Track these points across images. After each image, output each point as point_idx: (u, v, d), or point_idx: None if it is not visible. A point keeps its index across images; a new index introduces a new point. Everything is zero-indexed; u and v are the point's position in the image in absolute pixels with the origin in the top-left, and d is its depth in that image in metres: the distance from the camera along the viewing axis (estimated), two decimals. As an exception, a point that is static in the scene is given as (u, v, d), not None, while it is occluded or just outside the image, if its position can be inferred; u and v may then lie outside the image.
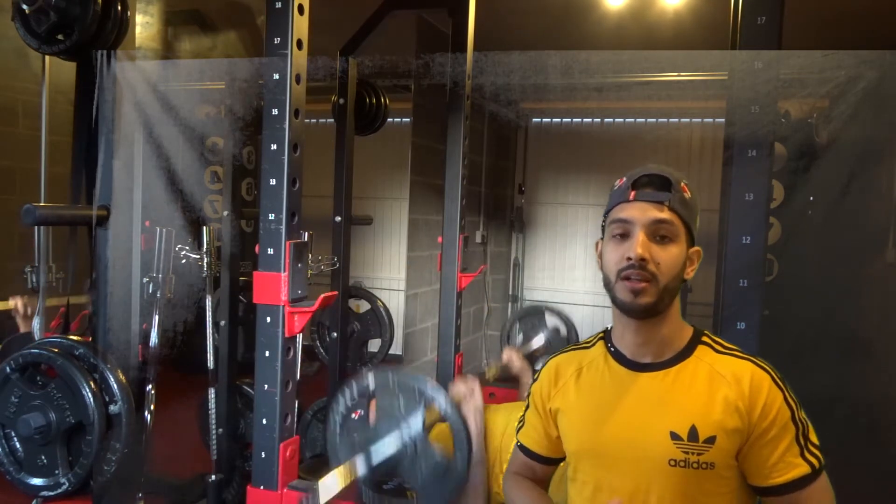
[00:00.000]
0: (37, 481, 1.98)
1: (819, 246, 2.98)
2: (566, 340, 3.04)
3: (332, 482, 1.28)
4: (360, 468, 1.33)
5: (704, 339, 1.28)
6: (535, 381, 1.44)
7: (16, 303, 2.81)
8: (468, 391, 2.01)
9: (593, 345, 1.37)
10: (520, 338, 3.10)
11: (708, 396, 1.20)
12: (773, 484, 1.18)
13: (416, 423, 1.37)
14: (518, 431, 1.48)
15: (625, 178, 1.27)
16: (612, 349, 1.32)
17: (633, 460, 1.22)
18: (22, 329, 2.82)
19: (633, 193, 1.22)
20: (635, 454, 1.22)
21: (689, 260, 1.25)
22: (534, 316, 3.12)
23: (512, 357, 2.60)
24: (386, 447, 1.38)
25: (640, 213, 1.21)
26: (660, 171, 1.24)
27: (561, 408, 1.35)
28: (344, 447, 1.48)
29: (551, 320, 3.10)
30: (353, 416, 2.21)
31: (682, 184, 1.24)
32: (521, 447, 1.46)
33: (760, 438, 1.17)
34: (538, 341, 3.01)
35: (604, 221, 1.29)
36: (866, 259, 3.40)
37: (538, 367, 3.03)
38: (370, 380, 1.41)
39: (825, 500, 1.20)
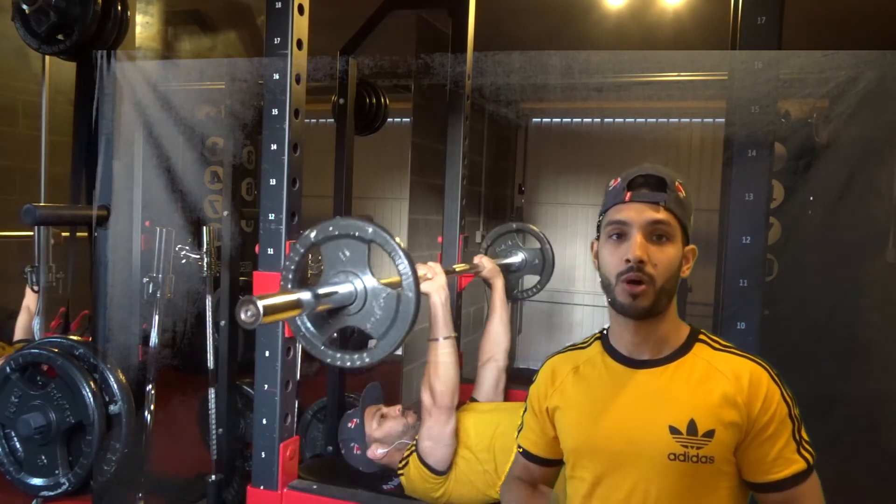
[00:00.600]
0: (37, 481, 1.98)
1: (819, 246, 2.98)
2: (542, 254, 3.02)
3: (272, 300, 1.21)
4: (306, 295, 1.27)
5: (701, 336, 1.29)
6: (532, 383, 1.44)
7: (27, 302, 2.80)
8: (429, 269, 2.07)
9: (590, 344, 1.38)
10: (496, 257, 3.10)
11: (706, 391, 1.20)
12: (771, 480, 1.18)
13: (362, 265, 1.33)
14: (518, 436, 1.48)
15: (619, 179, 1.27)
16: (610, 347, 1.32)
17: (632, 455, 1.23)
18: (17, 335, 2.83)
19: (628, 194, 1.23)
20: (634, 449, 1.22)
21: (685, 259, 1.25)
22: (509, 235, 3.10)
23: (482, 260, 2.62)
24: (331, 284, 1.33)
25: (637, 214, 1.21)
26: (655, 172, 1.24)
27: (558, 406, 1.35)
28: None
29: (529, 240, 3.08)
30: (350, 424, 2.21)
31: (677, 183, 1.24)
32: (522, 451, 1.46)
33: (760, 434, 1.18)
34: (514, 257, 3.01)
35: (599, 222, 1.30)
36: (866, 259, 3.39)
37: (518, 286, 3.04)
38: (312, 232, 1.36)
39: (818, 497, 1.21)
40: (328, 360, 1.36)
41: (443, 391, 2.00)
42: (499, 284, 2.62)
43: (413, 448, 2.05)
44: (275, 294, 1.23)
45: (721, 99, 2.22)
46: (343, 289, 1.32)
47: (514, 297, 3.11)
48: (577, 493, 1.32)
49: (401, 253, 1.28)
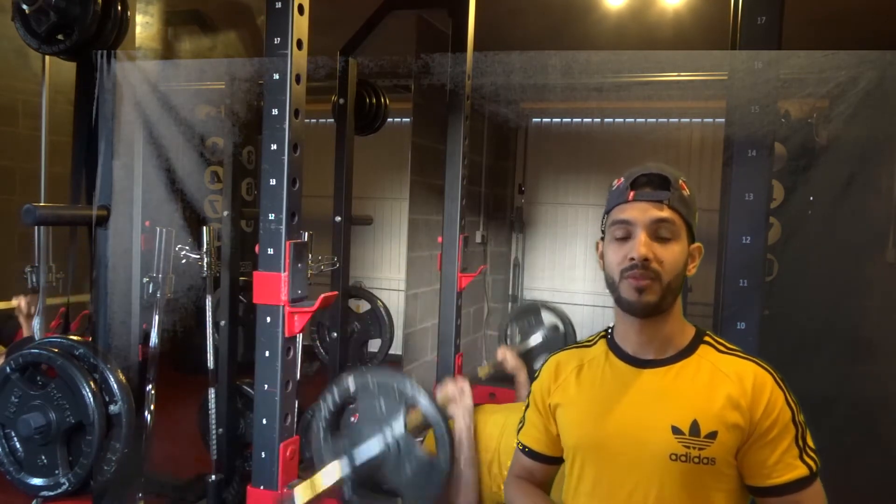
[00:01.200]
0: (37, 481, 1.98)
1: (819, 246, 2.98)
2: (564, 337, 3.04)
3: (307, 489, 1.29)
4: (344, 469, 1.33)
5: (707, 338, 1.28)
6: (535, 378, 1.44)
7: (19, 302, 2.80)
8: (458, 391, 2.02)
9: (595, 343, 1.38)
10: (518, 336, 3.10)
11: (710, 392, 1.20)
12: (772, 484, 1.18)
13: (397, 423, 1.37)
14: (519, 432, 1.48)
15: (623, 179, 1.27)
16: (615, 346, 1.32)
17: (633, 454, 1.23)
18: (25, 331, 2.82)
19: (632, 194, 1.23)
20: (636, 448, 1.22)
21: (690, 257, 1.25)
22: (531, 314, 3.10)
23: (507, 355, 2.61)
24: (369, 449, 1.38)
25: (641, 213, 1.21)
26: (658, 170, 1.24)
27: (561, 402, 1.35)
28: (328, 452, 1.48)
29: (549, 318, 3.08)
30: (353, 419, 2.22)
31: (681, 181, 1.24)
32: (522, 447, 1.46)
33: (762, 438, 1.18)
34: (535, 339, 3.01)
35: (603, 222, 1.29)
36: (866, 259, 3.39)
37: (537, 365, 3.04)
38: (350, 382, 1.41)
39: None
40: None
41: None
42: (522, 378, 2.59)
43: None
44: (314, 477, 1.28)
45: (721, 99, 2.22)
46: (378, 449, 1.41)
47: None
48: (576, 490, 1.32)
49: (444, 428, 1.32)
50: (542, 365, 1.43)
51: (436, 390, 2.05)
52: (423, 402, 1.34)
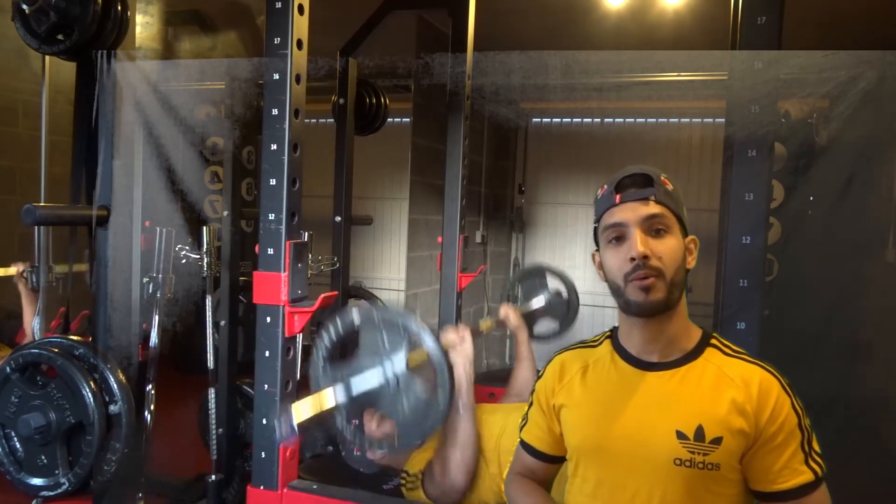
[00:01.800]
0: (37, 481, 1.98)
1: (819, 246, 2.98)
2: (567, 302, 3.03)
3: (305, 406, 1.25)
4: (340, 396, 1.31)
5: (713, 341, 1.28)
6: (539, 378, 1.44)
7: (17, 268, 2.78)
8: (458, 338, 2.02)
9: (600, 343, 1.37)
10: (521, 298, 3.09)
11: (715, 397, 1.20)
12: (777, 490, 1.18)
13: (399, 358, 1.35)
14: (521, 430, 1.47)
15: (606, 186, 1.28)
16: (619, 348, 1.32)
17: (637, 458, 1.22)
18: (23, 297, 2.80)
19: (618, 197, 1.24)
20: (640, 452, 1.22)
21: (688, 250, 1.25)
22: (535, 277, 3.09)
23: (509, 313, 2.62)
24: (367, 380, 1.36)
25: (631, 212, 1.22)
26: (638, 170, 1.25)
27: (565, 403, 1.35)
28: (326, 380, 1.45)
29: (552, 282, 3.07)
30: (355, 451, 2.22)
31: (663, 178, 1.25)
32: (524, 445, 1.45)
33: (767, 443, 1.17)
34: (538, 302, 3.01)
35: (595, 231, 1.30)
36: (866, 259, 3.39)
37: (538, 328, 3.05)
38: (355, 315, 1.38)
39: None
40: (351, 444, 1.43)
41: (458, 464, 1.88)
42: (523, 337, 2.61)
43: (419, 478, 2.01)
44: (309, 398, 1.27)
45: (721, 99, 2.22)
46: (377, 381, 1.37)
47: (534, 337, 3.04)
48: (579, 492, 1.32)
49: (443, 364, 1.31)
50: (547, 364, 1.43)
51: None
52: (428, 340, 1.32)
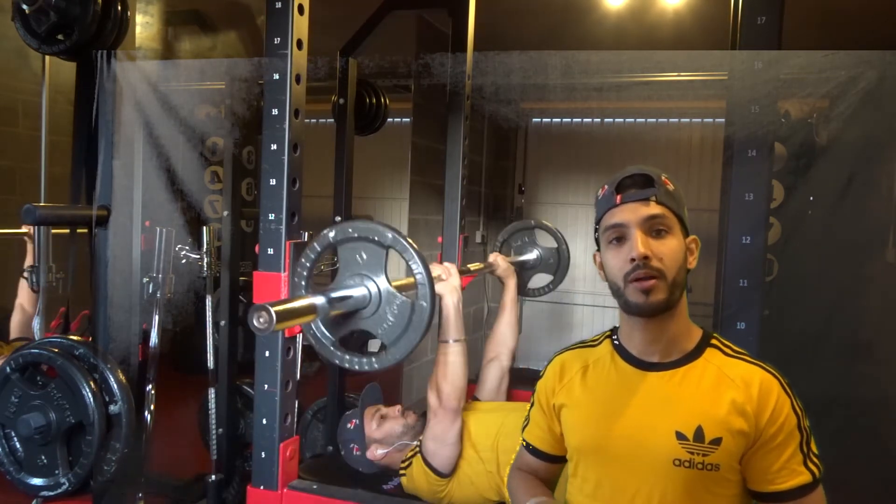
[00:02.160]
0: (37, 481, 1.98)
1: (819, 246, 2.98)
2: (558, 254, 3.03)
3: (285, 306, 1.21)
4: (320, 300, 1.27)
5: (713, 341, 1.28)
6: (540, 378, 1.44)
7: (28, 229, 2.75)
8: (445, 271, 2.05)
9: (600, 343, 1.37)
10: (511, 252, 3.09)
11: (715, 398, 1.19)
12: (775, 490, 1.18)
13: (378, 269, 1.33)
14: (523, 429, 1.48)
15: (607, 186, 1.28)
16: (620, 348, 1.31)
17: (637, 459, 1.22)
18: (28, 257, 2.77)
19: (618, 197, 1.23)
20: (639, 453, 1.22)
21: (689, 250, 1.25)
22: (526, 232, 3.08)
23: (498, 259, 2.63)
24: (345, 288, 1.34)
25: (631, 213, 1.21)
26: (639, 170, 1.25)
27: (565, 403, 1.35)
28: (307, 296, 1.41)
29: (543, 236, 3.07)
30: (349, 425, 2.21)
31: (663, 178, 1.25)
32: (527, 445, 1.46)
33: (767, 444, 1.17)
34: (529, 255, 3.00)
35: (596, 232, 1.30)
36: (866, 259, 3.39)
37: (532, 283, 3.05)
38: (331, 232, 1.36)
39: None
40: (336, 362, 1.37)
41: (450, 393, 1.99)
42: (511, 284, 2.63)
43: (417, 449, 2.04)
44: (288, 300, 1.23)
45: (721, 99, 2.22)
46: (357, 293, 1.32)
47: (526, 294, 3.12)
48: (579, 492, 1.32)
49: (419, 261, 1.28)
50: (547, 364, 1.43)
51: None
52: (405, 245, 1.29)
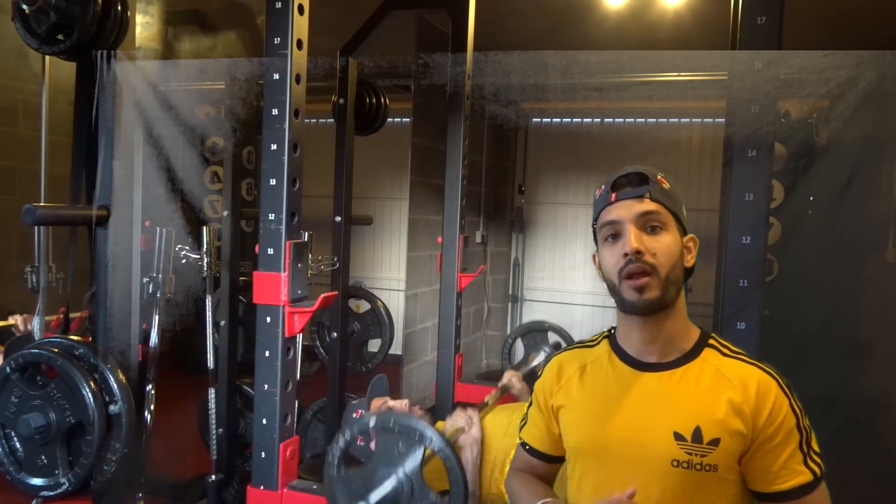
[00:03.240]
0: (37, 481, 1.98)
1: (819, 246, 2.98)
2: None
3: None
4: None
5: (711, 341, 1.28)
6: (538, 378, 1.44)
7: (16, 320, 2.80)
8: (467, 421, 2.03)
9: (598, 343, 1.37)
10: (521, 354, 3.13)
11: (713, 398, 1.19)
12: (775, 490, 1.18)
13: (413, 464, 1.39)
14: (521, 429, 1.48)
15: (603, 186, 1.29)
16: (617, 348, 1.32)
17: (635, 459, 1.22)
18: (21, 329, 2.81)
19: (614, 195, 1.25)
20: (638, 453, 1.22)
21: (685, 248, 1.25)
22: (535, 333, 3.13)
23: (512, 379, 2.61)
24: (383, 488, 1.40)
25: (626, 210, 1.22)
26: (634, 169, 1.26)
27: (563, 404, 1.35)
28: (342, 489, 1.50)
29: (552, 337, 3.11)
30: (355, 415, 2.21)
31: (659, 176, 1.26)
32: (524, 445, 1.46)
33: (765, 444, 1.17)
34: (539, 358, 3.02)
35: (594, 231, 1.30)
36: (866, 259, 3.39)
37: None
38: (372, 421, 1.44)
39: None
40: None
41: None
42: (525, 402, 2.60)
43: None
44: None
45: (721, 99, 2.22)
46: (391, 490, 1.41)
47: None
48: (578, 493, 1.32)
49: (458, 475, 1.38)
50: (545, 365, 1.43)
51: (447, 420, 2.08)
52: (440, 445, 1.37)
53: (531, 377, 2.86)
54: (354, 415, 2.22)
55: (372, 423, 1.42)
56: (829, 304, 2.91)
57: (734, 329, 1.88)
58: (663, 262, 1.20)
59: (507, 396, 2.57)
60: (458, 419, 2.05)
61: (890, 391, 2.96)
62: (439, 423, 2.17)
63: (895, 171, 3.47)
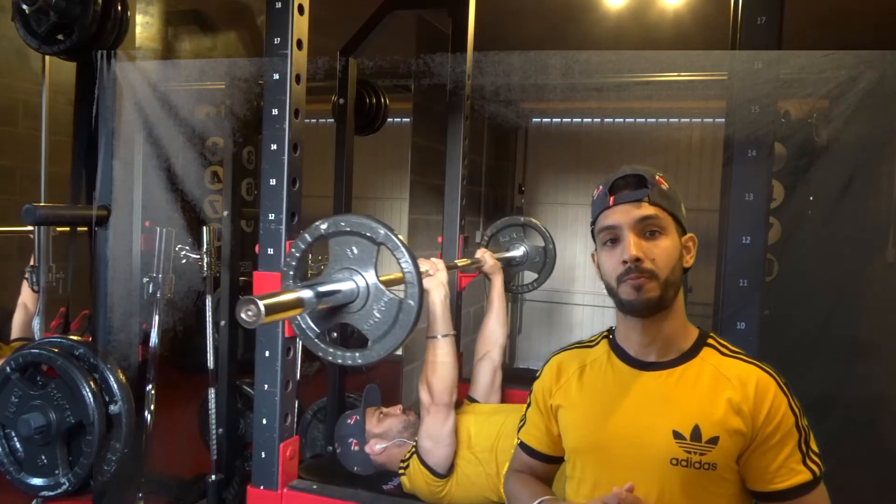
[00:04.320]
0: (37, 481, 1.98)
1: (819, 246, 2.98)
2: (544, 252, 3.03)
3: (273, 300, 1.21)
4: (308, 294, 1.28)
5: (710, 341, 1.28)
6: (537, 378, 1.44)
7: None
8: (432, 266, 2.04)
9: (597, 343, 1.38)
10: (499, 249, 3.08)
11: (712, 397, 1.20)
12: (774, 489, 1.18)
13: (368, 265, 1.33)
14: (519, 430, 1.48)
15: (601, 187, 1.28)
16: (616, 348, 1.32)
17: (634, 458, 1.22)
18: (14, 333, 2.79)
19: (612, 199, 1.24)
20: (637, 452, 1.22)
21: (684, 249, 1.25)
22: (513, 228, 3.07)
23: (485, 255, 2.60)
24: (337, 284, 1.34)
25: (624, 215, 1.22)
26: (633, 171, 1.25)
27: (562, 404, 1.35)
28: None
29: (531, 233, 3.06)
30: (349, 421, 2.22)
31: (658, 177, 1.25)
32: (523, 445, 1.46)
33: (764, 443, 1.17)
34: (516, 251, 2.99)
35: (592, 232, 1.30)
36: (867, 259, 3.39)
37: (518, 279, 3.01)
38: (323, 224, 1.36)
39: None
40: (321, 354, 1.37)
41: (441, 389, 1.99)
42: (498, 281, 2.61)
43: (413, 449, 2.05)
44: (276, 293, 1.22)
45: (721, 99, 2.22)
46: (345, 286, 1.32)
47: (511, 290, 3.10)
48: (576, 493, 1.32)
49: (409, 259, 1.28)
50: (544, 365, 1.43)
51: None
52: (395, 241, 1.30)
53: (506, 264, 2.86)
54: (349, 421, 2.23)
55: (324, 226, 1.37)
56: (829, 304, 2.91)
57: (734, 329, 1.88)
58: (662, 266, 1.20)
59: (476, 348, 2.58)
60: (422, 263, 2.02)
61: (890, 391, 2.96)
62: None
63: (895, 170, 3.48)
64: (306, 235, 1.37)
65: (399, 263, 1.29)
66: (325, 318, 1.38)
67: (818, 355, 2.69)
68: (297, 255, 1.38)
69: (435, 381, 2.00)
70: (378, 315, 1.31)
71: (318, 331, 1.38)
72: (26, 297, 2.81)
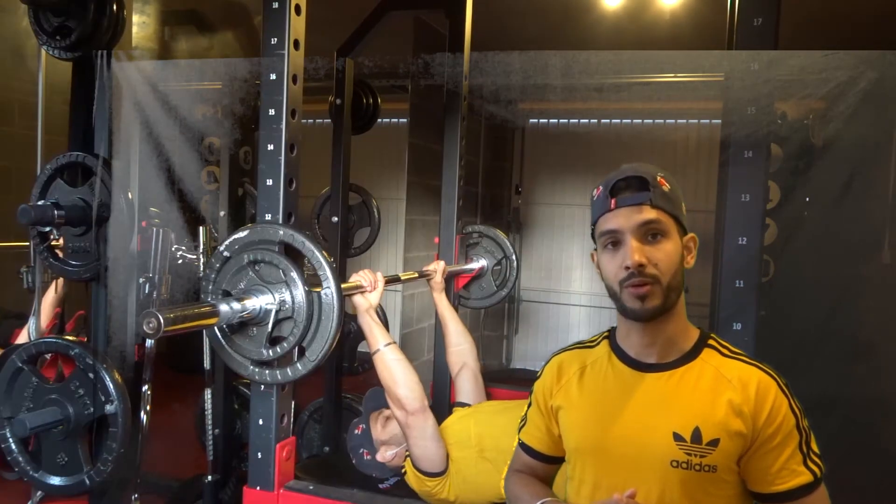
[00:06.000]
0: (55, 480, 1.98)
1: (815, 247, 2.98)
2: (500, 264, 2.97)
3: (180, 313, 1.27)
4: (225, 308, 1.34)
5: (711, 342, 1.27)
6: (537, 378, 1.43)
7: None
8: (370, 283, 2.00)
9: (597, 344, 1.37)
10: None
11: (713, 399, 1.19)
12: (775, 491, 1.18)
13: (289, 275, 1.41)
14: (520, 430, 1.47)
15: (601, 187, 1.26)
16: (617, 349, 1.31)
17: (634, 460, 1.22)
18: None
19: (613, 201, 1.22)
20: (637, 454, 1.22)
21: (686, 249, 1.25)
22: (479, 240, 3.01)
23: (439, 270, 2.51)
24: (253, 303, 1.41)
25: (625, 219, 1.21)
26: (634, 172, 1.23)
27: (563, 405, 1.35)
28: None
29: (492, 246, 2.99)
30: (356, 431, 2.22)
31: (659, 178, 1.23)
32: (523, 445, 1.45)
33: (765, 445, 1.17)
34: (476, 264, 2.95)
35: (592, 231, 1.29)
36: (863, 260, 3.40)
37: (471, 291, 2.96)
38: (242, 232, 1.47)
39: None
40: (239, 370, 1.45)
41: (408, 395, 1.97)
42: (438, 298, 2.53)
43: (407, 456, 2.04)
44: (184, 306, 1.29)
45: (718, 100, 2.23)
46: (260, 301, 1.40)
47: (463, 304, 3.01)
48: (577, 493, 1.31)
49: (329, 274, 1.34)
50: (545, 365, 1.43)
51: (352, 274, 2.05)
52: (319, 262, 1.40)
53: (473, 280, 2.85)
54: (356, 431, 2.22)
55: (224, 248, 1.48)
56: (825, 305, 2.92)
57: (730, 330, 1.88)
58: (665, 270, 1.19)
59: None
60: (363, 277, 1.99)
61: (887, 392, 2.96)
62: (444, 422, 2.17)
63: (892, 172, 3.48)
64: (223, 251, 1.47)
65: (318, 274, 1.37)
66: (249, 331, 1.48)
67: (814, 356, 2.70)
68: (216, 266, 1.50)
69: (399, 390, 1.98)
70: (300, 327, 1.41)
71: (239, 344, 1.47)
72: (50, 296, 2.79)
